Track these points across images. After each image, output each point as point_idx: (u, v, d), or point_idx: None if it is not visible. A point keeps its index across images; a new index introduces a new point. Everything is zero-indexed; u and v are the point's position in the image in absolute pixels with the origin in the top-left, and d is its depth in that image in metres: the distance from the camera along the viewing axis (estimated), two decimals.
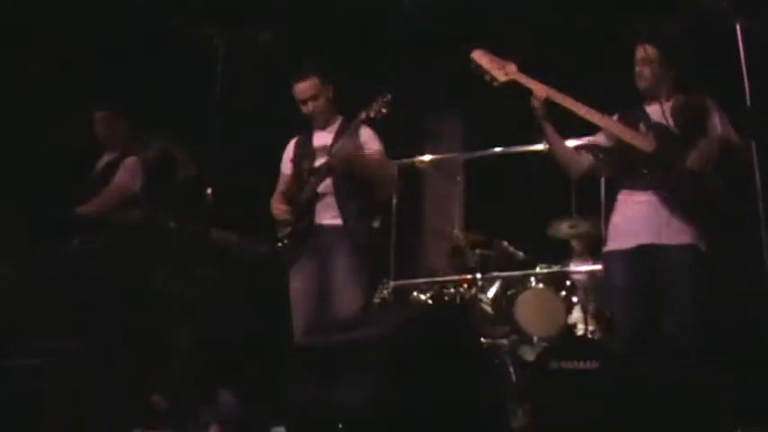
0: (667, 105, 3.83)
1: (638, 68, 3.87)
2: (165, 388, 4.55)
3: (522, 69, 3.90)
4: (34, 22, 5.67)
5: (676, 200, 3.69)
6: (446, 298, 5.53)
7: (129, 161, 4.87)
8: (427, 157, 6.22)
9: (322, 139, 4.46)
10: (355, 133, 4.33)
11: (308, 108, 4.41)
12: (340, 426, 2.84)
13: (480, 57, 3.95)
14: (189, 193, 4.74)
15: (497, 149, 6.07)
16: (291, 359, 3.34)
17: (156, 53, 5.78)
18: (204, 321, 4.75)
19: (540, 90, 3.83)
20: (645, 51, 3.82)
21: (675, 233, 3.69)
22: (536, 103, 3.84)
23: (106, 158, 4.99)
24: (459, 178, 6.41)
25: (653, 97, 3.87)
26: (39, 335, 4.07)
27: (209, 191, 4.34)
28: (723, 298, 3.83)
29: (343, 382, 2.97)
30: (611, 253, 3.92)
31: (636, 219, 3.80)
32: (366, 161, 4.32)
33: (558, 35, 6.13)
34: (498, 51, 3.94)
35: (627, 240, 3.82)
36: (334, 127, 4.46)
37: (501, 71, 3.89)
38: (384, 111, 4.21)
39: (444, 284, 5.69)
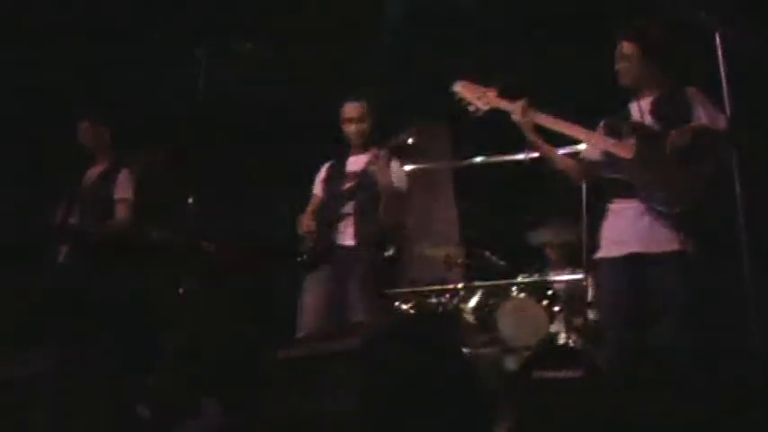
0: (646, 102, 3.84)
1: (618, 65, 3.89)
2: (150, 398, 4.52)
3: (506, 83, 3.96)
4: (18, 33, 5.65)
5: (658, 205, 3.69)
6: (428, 308, 5.54)
7: (123, 176, 4.89)
8: (409, 167, 6.23)
9: (355, 164, 4.57)
10: (388, 160, 4.41)
11: (351, 128, 4.56)
12: None
13: (462, 88, 4.02)
14: (171, 203, 4.74)
15: (479, 159, 6.08)
16: (277, 370, 3.34)
17: (140, 65, 5.78)
18: (189, 332, 4.74)
19: (519, 112, 3.87)
20: (623, 47, 3.85)
21: (661, 240, 3.66)
22: (518, 120, 3.88)
23: (96, 170, 4.99)
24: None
25: (637, 94, 3.87)
26: (24, 346, 4.05)
27: (190, 200, 4.35)
28: (710, 302, 3.83)
29: (327, 392, 2.97)
30: (601, 261, 3.92)
31: (623, 227, 3.79)
32: (394, 190, 4.41)
33: (542, 40, 6.14)
34: (482, 62, 3.98)
35: (615, 249, 3.82)
36: (368, 155, 4.52)
37: (482, 100, 3.96)
38: (411, 141, 4.32)
39: (426, 294, 5.69)
